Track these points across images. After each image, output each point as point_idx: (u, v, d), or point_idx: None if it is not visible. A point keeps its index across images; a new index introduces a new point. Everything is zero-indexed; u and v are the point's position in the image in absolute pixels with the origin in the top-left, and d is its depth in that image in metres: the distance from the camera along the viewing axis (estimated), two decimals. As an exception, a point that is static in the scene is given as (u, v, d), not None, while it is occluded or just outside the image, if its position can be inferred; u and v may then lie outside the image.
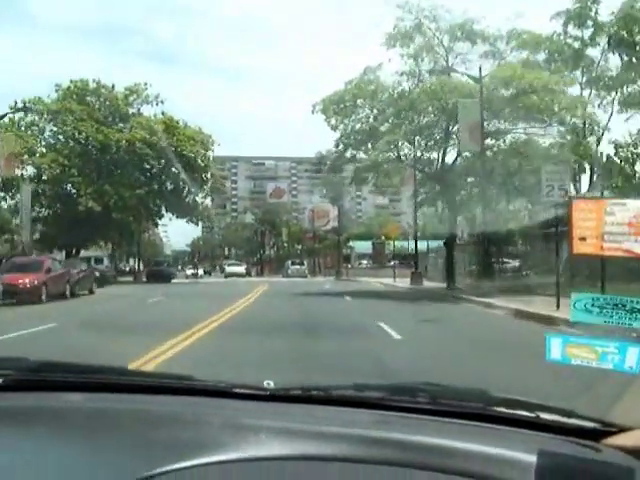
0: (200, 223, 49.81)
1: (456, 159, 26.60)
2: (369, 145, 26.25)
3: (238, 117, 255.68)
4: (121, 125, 43.50)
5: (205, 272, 72.46)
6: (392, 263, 46.89)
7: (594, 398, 3.50)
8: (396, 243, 50.33)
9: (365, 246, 68.99)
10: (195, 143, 43.68)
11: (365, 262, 67.36)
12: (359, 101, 25.73)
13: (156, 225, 53.81)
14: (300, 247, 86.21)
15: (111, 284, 36.00)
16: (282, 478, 1.05)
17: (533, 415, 1.29)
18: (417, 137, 25.70)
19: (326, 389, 1.47)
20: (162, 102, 44.52)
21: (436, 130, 25.60)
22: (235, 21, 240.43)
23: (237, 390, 1.46)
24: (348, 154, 26.99)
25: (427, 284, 30.54)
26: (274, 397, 1.45)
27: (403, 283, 35.03)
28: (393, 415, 1.33)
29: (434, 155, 27.45)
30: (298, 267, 61.46)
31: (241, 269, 59.52)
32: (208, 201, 49.77)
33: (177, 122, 44.27)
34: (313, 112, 25.53)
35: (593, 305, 1.56)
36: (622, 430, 1.23)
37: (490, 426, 1.27)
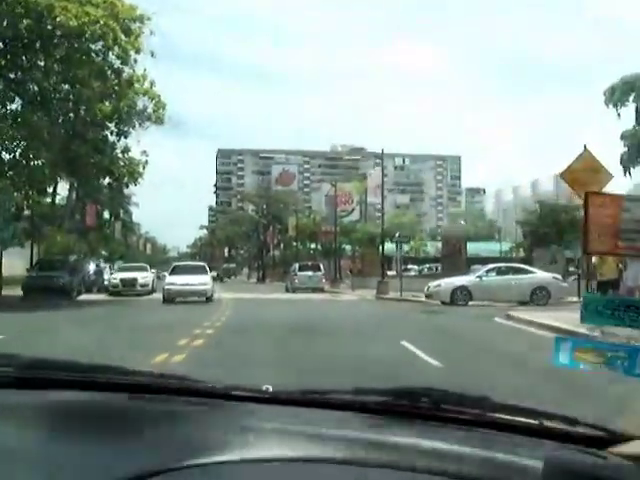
0: (123, 185, 26.07)
1: None
2: None
3: (244, 108, 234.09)
4: None
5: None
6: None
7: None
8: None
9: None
10: (94, 7, 20.35)
11: (416, 267, 43.73)
12: None
13: (42, 191, 28.59)
14: (314, 246, 62.71)
15: None
16: (282, 479, 1.06)
17: (537, 422, 1.28)
18: None
19: (326, 393, 1.48)
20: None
21: None
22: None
23: (236, 392, 1.46)
24: None
25: None
26: (273, 400, 1.44)
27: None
28: (393, 420, 1.31)
29: None
30: (310, 274, 38.33)
31: (201, 282, 26.02)
32: (133, 144, 26.27)
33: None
34: None
35: (605, 307, 1.47)
36: (629, 439, 1.22)
37: (494, 432, 1.26)
